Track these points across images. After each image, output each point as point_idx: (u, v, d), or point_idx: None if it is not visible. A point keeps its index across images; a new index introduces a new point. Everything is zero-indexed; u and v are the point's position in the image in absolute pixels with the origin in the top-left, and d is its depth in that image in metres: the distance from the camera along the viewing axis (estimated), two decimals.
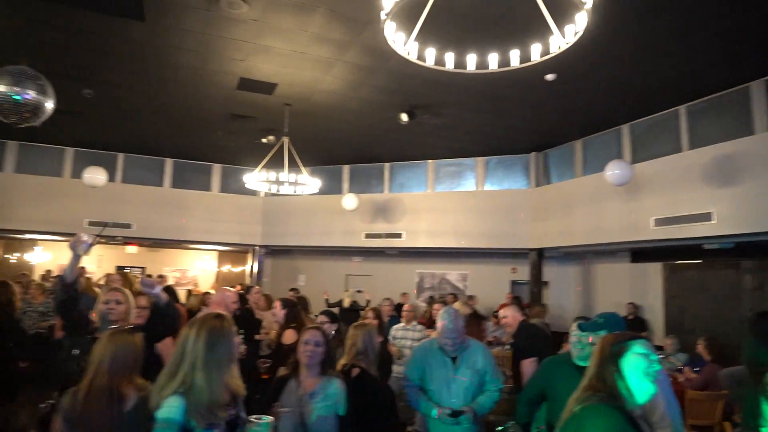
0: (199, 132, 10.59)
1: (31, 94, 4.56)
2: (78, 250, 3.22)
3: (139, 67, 7.46)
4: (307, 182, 8.77)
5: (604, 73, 7.12)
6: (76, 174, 11.69)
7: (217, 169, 13.23)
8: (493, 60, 3.95)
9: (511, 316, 4.47)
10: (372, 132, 10.19)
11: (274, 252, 13.85)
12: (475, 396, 3.47)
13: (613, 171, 7.94)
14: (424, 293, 12.77)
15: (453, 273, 12.81)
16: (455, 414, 3.29)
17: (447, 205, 11.80)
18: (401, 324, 6.69)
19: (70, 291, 3.27)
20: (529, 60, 3.76)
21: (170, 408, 2.02)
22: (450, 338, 3.46)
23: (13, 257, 15.38)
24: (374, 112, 8.97)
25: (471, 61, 4.00)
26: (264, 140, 10.02)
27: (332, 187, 12.47)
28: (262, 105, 8.75)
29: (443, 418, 3.31)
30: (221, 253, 16.72)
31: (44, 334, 8.36)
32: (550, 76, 7.06)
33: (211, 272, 16.77)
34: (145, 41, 6.65)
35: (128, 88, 8.26)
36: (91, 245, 3.28)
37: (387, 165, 12.60)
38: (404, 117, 8.42)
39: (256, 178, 8.78)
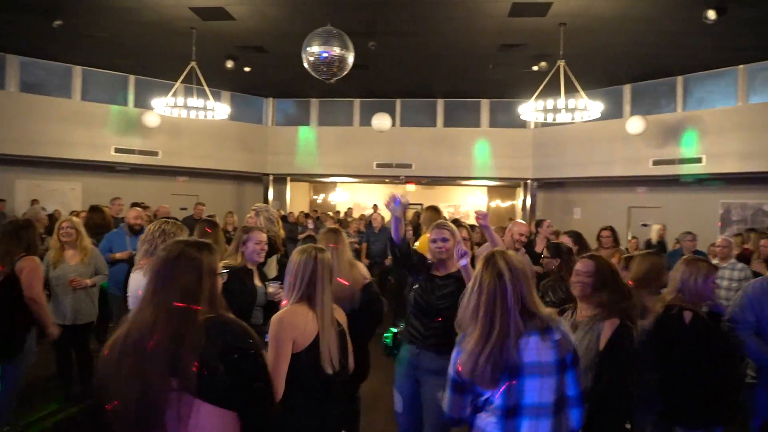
0: (468, 69, 10.65)
1: (336, 50, 5.11)
2: (393, 211, 3.09)
3: (414, 12, 7.74)
4: (587, 107, 8.05)
5: None
6: (364, 122, 13.12)
7: (485, 104, 13.24)
8: None
9: None
10: (661, 41, 8.72)
11: (546, 185, 13.42)
12: None
13: None
14: (731, 227, 10.80)
15: None
16: None
17: (766, 119, 9.54)
18: (714, 261, 5.76)
19: (403, 249, 3.22)
20: None
21: None
22: None
23: (319, 198, 18.40)
24: (666, 16, 7.62)
25: None
26: (535, 68, 9.51)
27: (611, 111, 11.22)
28: (534, 29, 8.24)
29: None
30: (490, 188, 17.01)
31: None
32: None
33: (482, 207, 17.28)
34: None
35: (405, 35, 8.69)
36: (401, 203, 3.08)
37: (679, 78, 10.75)
38: (711, 14, 6.92)
39: (530, 109, 8.45)
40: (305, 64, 5.23)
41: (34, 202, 10.54)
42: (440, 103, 13.35)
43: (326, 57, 5.05)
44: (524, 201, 13.57)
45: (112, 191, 10.26)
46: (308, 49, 5.10)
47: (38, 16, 8.00)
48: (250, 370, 1.61)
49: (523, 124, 12.62)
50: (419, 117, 13.48)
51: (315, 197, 18.37)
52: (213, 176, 13.51)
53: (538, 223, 5.73)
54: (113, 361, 1.57)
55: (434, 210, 4.94)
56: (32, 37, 9.29)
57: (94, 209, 6.36)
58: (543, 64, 9.28)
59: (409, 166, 13.12)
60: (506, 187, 16.20)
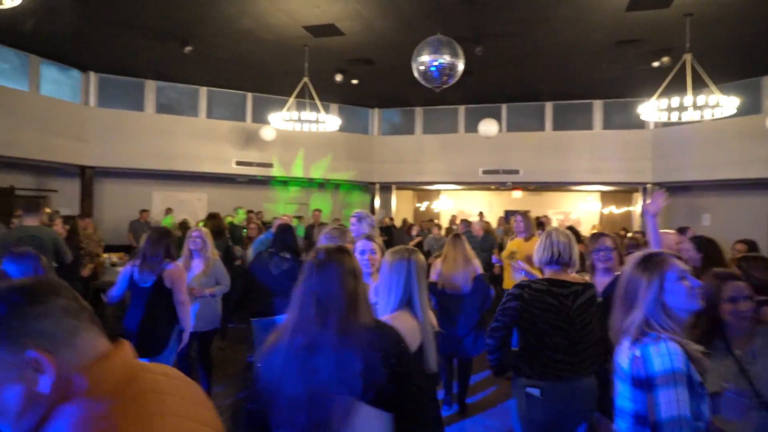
0: (579, 69, 10.17)
1: (447, 58, 5.10)
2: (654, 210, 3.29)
3: (524, 14, 7.54)
4: (719, 103, 7.34)
5: None
6: (469, 128, 13.01)
7: (598, 105, 12.56)
8: None
9: None
10: None
11: (668, 189, 12.37)
12: None
13: None
14: None
15: None
16: None
17: None
18: None
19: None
20: None
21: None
22: None
23: (422, 205, 18.47)
24: None
25: None
26: (656, 63, 8.86)
27: (746, 106, 10.12)
28: (655, 22, 7.68)
29: None
30: (604, 194, 16.09)
31: None
32: None
33: (594, 213, 16.37)
34: None
35: (513, 37, 8.50)
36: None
37: None
38: None
39: (651, 108, 7.88)
40: (415, 74, 5.27)
41: (168, 211, 11.64)
42: (549, 106, 12.87)
43: (436, 65, 5.06)
44: (643, 207, 12.64)
45: (233, 201, 11.07)
46: (418, 58, 5.14)
47: (173, 44, 8.85)
48: (406, 374, 1.63)
49: (641, 125, 11.81)
50: (526, 121, 13.10)
51: (419, 205, 18.49)
52: (323, 185, 14.06)
53: (682, 230, 5.29)
54: (279, 363, 1.63)
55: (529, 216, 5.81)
56: (167, 63, 10.30)
57: (212, 216, 6.88)
58: (666, 59, 8.61)
59: (516, 171, 12.78)
60: (621, 192, 15.22)
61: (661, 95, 7.83)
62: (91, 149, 11.07)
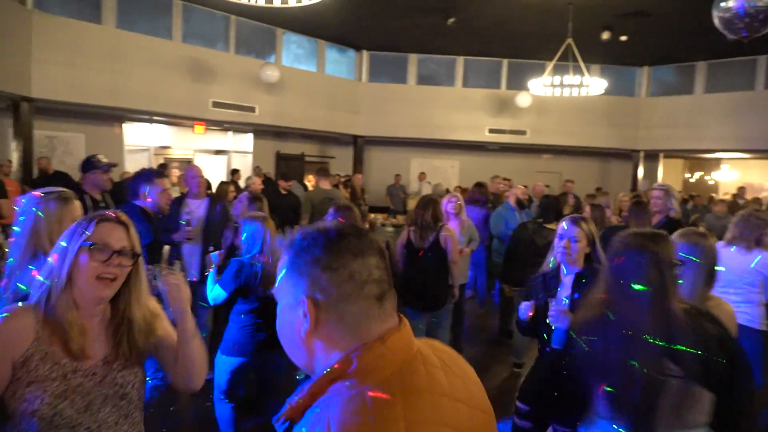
0: None
1: (762, 2, 4.18)
2: None
3: None
4: None
5: None
6: None
7: None
8: None
9: None
10: None
11: None
12: None
13: None
14: None
15: None
16: None
17: None
18: None
19: None
20: None
21: None
22: None
23: (694, 176, 15.99)
24: None
25: None
26: None
27: None
28: None
29: None
30: None
31: None
32: None
33: None
34: None
35: None
36: None
37: None
38: None
39: None
40: (716, 22, 4.43)
41: (421, 176, 12.42)
42: None
43: (747, 9, 4.17)
44: None
45: (483, 168, 11.23)
46: (722, 4, 4.30)
47: (435, 17, 9.21)
48: (729, 357, 1.64)
49: None
50: None
51: (688, 176, 16.11)
52: (577, 153, 13.27)
53: None
54: (599, 345, 1.70)
55: None
56: (428, 36, 10.82)
57: (478, 185, 7.05)
58: None
59: None
60: None
61: None
62: (362, 120, 12.41)
